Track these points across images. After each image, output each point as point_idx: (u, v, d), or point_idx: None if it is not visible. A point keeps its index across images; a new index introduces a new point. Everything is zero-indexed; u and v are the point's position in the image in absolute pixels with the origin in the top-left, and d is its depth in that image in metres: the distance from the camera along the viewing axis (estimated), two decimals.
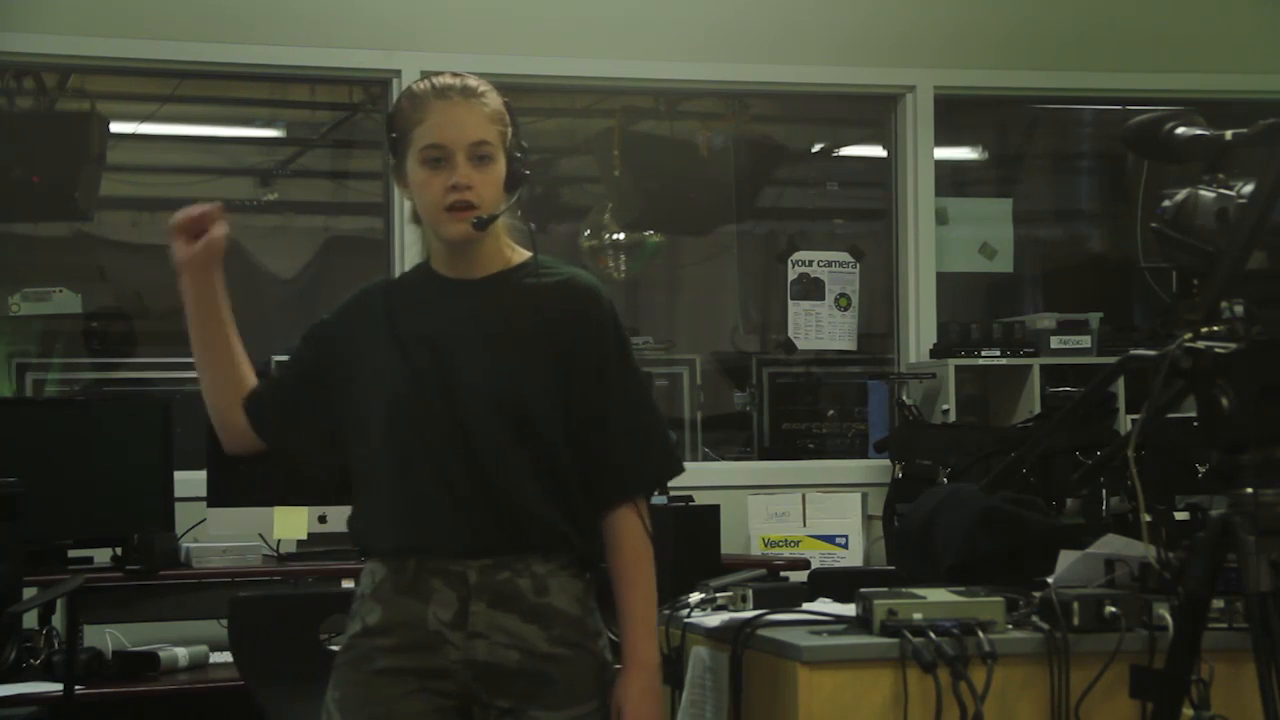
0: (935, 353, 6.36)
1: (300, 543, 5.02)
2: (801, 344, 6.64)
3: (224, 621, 3.98)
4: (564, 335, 2.73)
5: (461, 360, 2.72)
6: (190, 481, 5.06)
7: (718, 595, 3.13)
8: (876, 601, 2.79)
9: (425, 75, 2.80)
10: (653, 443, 2.79)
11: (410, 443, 2.69)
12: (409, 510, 2.69)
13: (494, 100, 2.74)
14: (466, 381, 2.70)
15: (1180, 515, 3.43)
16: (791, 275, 6.61)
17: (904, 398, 6.22)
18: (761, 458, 7.16)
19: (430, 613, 2.66)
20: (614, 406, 2.74)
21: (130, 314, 7.67)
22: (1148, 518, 2.80)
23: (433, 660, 2.66)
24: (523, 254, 2.78)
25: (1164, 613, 2.80)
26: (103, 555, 4.90)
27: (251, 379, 2.82)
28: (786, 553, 5.75)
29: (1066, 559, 3.07)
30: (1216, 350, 2.59)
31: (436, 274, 2.80)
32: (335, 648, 3.90)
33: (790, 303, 6.61)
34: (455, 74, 2.76)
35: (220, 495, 4.98)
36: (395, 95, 6.11)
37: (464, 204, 2.69)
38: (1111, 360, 4.83)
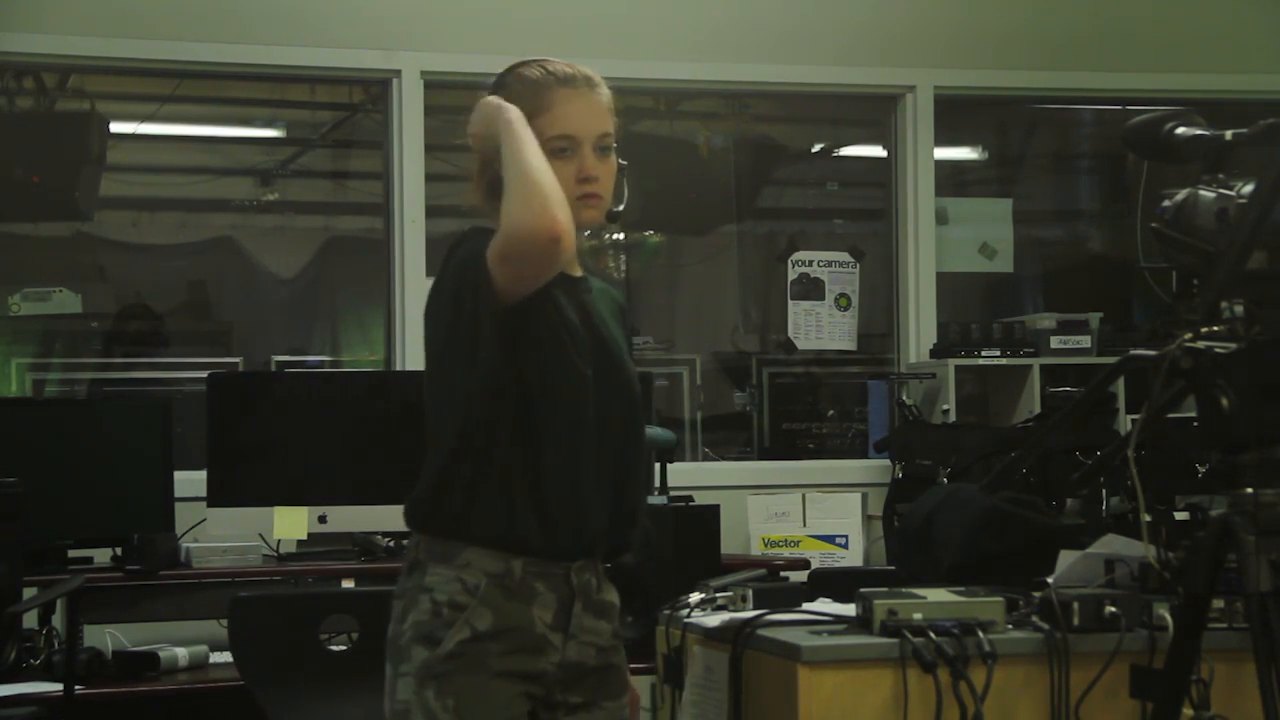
0: (935, 353, 6.36)
1: (300, 543, 5.02)
2: (801, 344, 6.64)
3: (224, 621, 3.98)
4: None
5: (616, 358, 2.73)
6: (190, 481, 5.06)
7: (718, 595, 3.13)
8: (876, 601, 2.79)
9: (535, 62, 2.71)
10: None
11: (586, 435, 2.65)
12: (565, 507, 2.64)
13: (608, 90, 2.74)
14: (625, 380, 2.73)
15: (1180, 515, 3.43)
16: (791, 275, 6.61)
17: (904, 398, 6.22)
18: (761, 458, 7.15)
19: (535, 615, 2.63)
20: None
21: (130, 314, 7.68)
22: (1148, 518, 2.80)
23: (536, 663, 2.64)
24: None
25: (1164, 613, 2.81)
26: (103, 555, 4.90)
27: None
28: (786, 553, 5.75)
29: (1066, 559, 3.07)
30: (1216, 350, 2.59)
31: None
32: (340, 648, 3.94)
33: (790, 303, 6.61)
34: (564, 62, 2.72)
35: (220, 495, 4.98)
36: (395, 95, 6.18)
37: (593, 195, 2.68)
38: (1111, 360, 4.83)
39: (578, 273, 2.77)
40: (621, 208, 2.75)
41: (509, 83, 2.72)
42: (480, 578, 2.61)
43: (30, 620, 4.54)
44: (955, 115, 6.89)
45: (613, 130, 2.71)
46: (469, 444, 2.62)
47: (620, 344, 2.76)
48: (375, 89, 6.49)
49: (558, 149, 2.65)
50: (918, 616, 2.77)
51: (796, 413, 7.16)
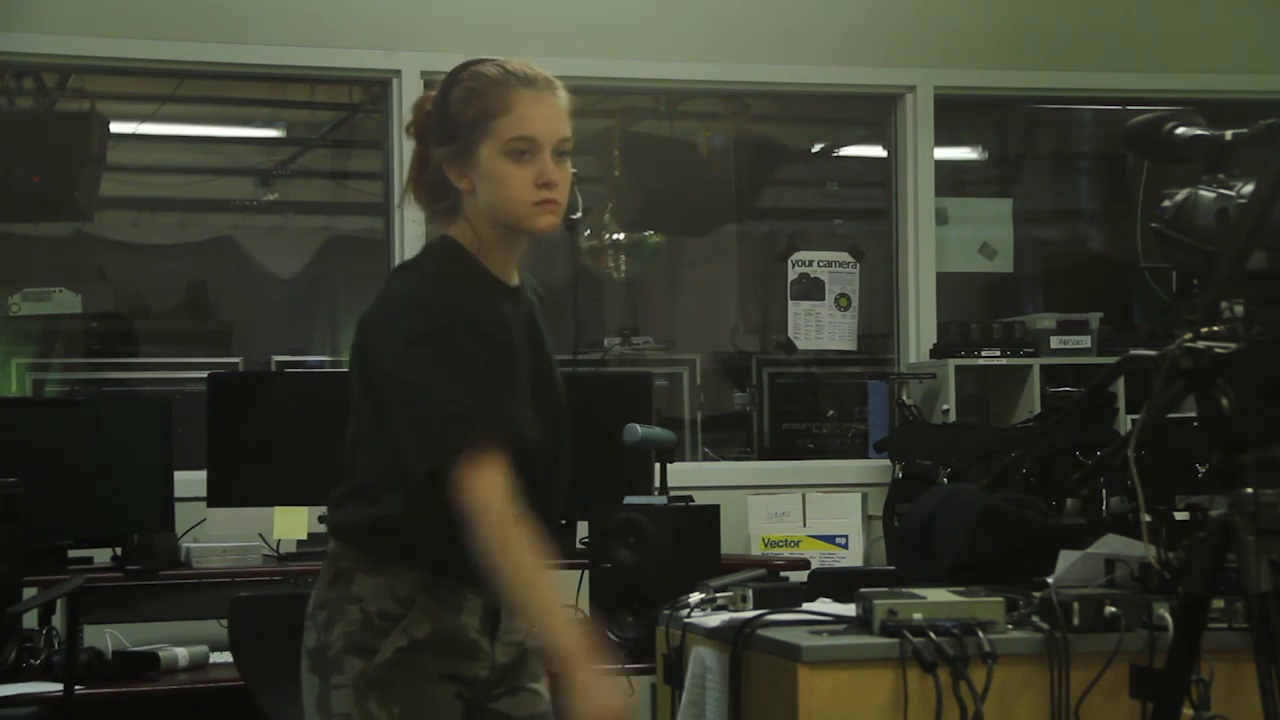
0: (935, 353, 6.35)
1: (300, 543, 5.02)
2: (801, 344, 6.64)
3: (224, 621, 3.98)
4: None
5: (553, 370, 2.71)
6: (190, 481, 5.06)
7: (718, 595, 3.13)
8: (876, 601, 2.79)
9: (491, 60, 2.63)
10: None
11: (530, 463, 2.59)
12: None
13: (566, 94, 2.66)
14: (559, 395, 2.70)
15: (1180, 515, 3.43)
16: (791, 275, 6.61)
17: (904, 398, 6.21)
18: (761, 458, 7.16)
19: (465, 621, 2.61)
20: None
21: (130, 314, 7.69)
22: (1148, 518, 2.80)
23: (470, 668, 2.63)
24: None
25: (1164, 613, 2.81)
26: (103, 555, 4.90)
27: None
28: (786, 553, 5.75)
29: (1066, 559, 3.07)
30: (1216, 350, 2.59)
31: (494, 276, 2.65)
32: None
33: (790, 303, 6.60)
34: (521, 61, 2.64)
35: (220, 495, 4.98)
36: (395, 95, 6.17)
37: (551, 201, 2.60)
38: (1111, 360, 4.83)
39: (515, 281, 2.69)
40: (579, 215, 2.72)
41: (463, 83, 2.64)
42: (413, 589, 2.58)
43: (30, 620, 4.54)
44: (955, 115, 6.89)
45: (570, 135, 2.64)
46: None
47: (552, 351, 2.73)
48: (375, 89, 6.49)
49: (517, 151, 2.58)
50: (918, 616, 2.77)
51: (796, 413, 7.16)
